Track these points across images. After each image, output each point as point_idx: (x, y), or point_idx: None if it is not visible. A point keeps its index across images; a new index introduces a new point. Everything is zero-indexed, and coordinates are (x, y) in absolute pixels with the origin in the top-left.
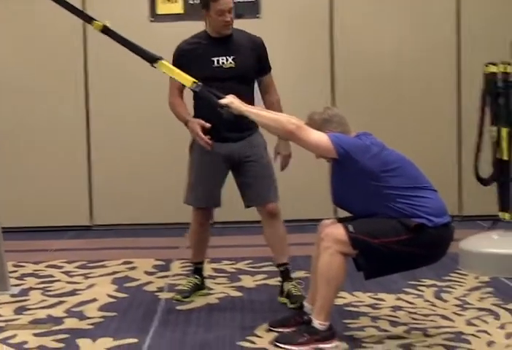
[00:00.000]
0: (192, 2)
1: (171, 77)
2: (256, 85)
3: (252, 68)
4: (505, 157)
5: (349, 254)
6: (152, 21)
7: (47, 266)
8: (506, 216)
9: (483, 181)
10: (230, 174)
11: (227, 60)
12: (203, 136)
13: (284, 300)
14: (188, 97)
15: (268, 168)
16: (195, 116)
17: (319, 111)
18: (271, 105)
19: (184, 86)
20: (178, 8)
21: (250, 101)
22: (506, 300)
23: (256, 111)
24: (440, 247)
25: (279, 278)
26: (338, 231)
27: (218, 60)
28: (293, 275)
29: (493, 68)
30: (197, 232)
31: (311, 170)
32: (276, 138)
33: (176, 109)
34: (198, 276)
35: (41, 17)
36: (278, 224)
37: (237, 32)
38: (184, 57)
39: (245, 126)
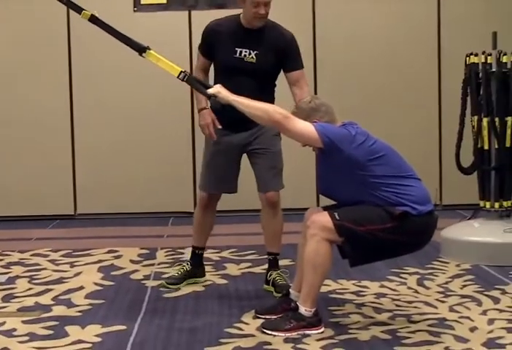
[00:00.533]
0: None
1: (198, 54)
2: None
3: (274, 65)
4: (486, 147)
5: (335, 241)
6: (135, 11)
7: (32, 255)
8: (487, 204)
9: (465, 170)
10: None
11: (249, 53)
12: (211, 129)
13: (269, 288)
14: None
15: (275, 158)
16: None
17: (306, 99)
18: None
19: (209, 67)
20: None
21: (265, 99)
22: (487, 287)
23: (242, 101)
24: (424, 234)
25: (265, 266)
26: (324, 218)
27: (241, 52)
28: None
29: (474, 59)
30: (198, 216)
31: (295, 160)
32: None
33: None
34: (190, 263)
35: (23, 11)
36: (276, 214)
37: (270, 27)
38: (211, 37)
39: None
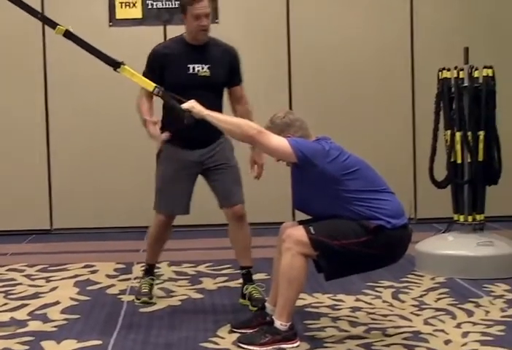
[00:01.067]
0: (150, 7)
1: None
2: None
3: (225, 78)
4: (459, 160)
5: (310, 255)
6: (110, 25)
7: (8, 270)
8: (460, 218)
9: (438, 184)
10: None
11: (202, 68)
12: (154, 131)
13: (245, 302)
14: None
15: (235, 171)
16: (164, 124)
17: (280, 114)
18: (242, 115)
19: None
20: (137, 13)
21: (220, 110)
22: (461, 300)
23: (217, 116)
24: (398, 248)
25: (240, 280)
26: (299, 233)
27: (194, 68)
28: (254, 277)
29: (447, 74)
30: (157, 236)
31: (270, 174)
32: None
33: (139, 107)
34: (152, 277)
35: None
36: (244, 227)
37: (213, 41)
38: (159, 61)
39: (212, 131)
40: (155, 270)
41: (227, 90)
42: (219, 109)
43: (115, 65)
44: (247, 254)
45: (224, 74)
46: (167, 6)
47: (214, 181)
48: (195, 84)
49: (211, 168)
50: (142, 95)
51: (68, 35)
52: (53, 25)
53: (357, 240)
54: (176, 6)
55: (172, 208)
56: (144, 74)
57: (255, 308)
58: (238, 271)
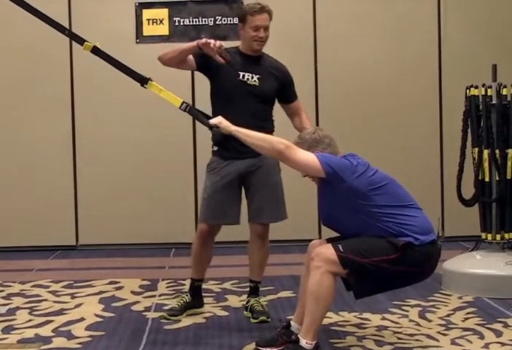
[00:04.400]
0: (177, 24)
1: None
2: None
3: (274, 91)
4: (487, 178)
5: (339, 273)
6: (137, 42)
7: (33, 286)
8: (488, 236)
9: (466, 202)
10: None
11: (252, 77)
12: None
13: (247, 314)
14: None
15: (275, 188)
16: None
17: (309, 130)
18: (302, 123)
19: (189, 65)
20: (164, 30)
21: (267, 122)
22: (489, 320)
23: (244, 131)
24: (427, 264)
25: (267, 298)
26: (329, 251)
27: (244, 75)
28: (278, 295)
29: (474, 91)
30: (199, 248)
31: (296, 191)
32: None
33: (172, 50)
34: (190, 294)
35: (25, 43)
36: (264, 246)
37: (266, 56)
38: (208, 58)
39: None
40: (180, 288)
41: (283, 106)
42: (264, 119)
43: (143, 81)
44: (260, 270)
45: (272, 87)
46: (194, 23)
47: (250, 195)
48: (242, 91)
49: (252, 182)
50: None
51: (95, 51)
52: (81, 41)
53: (387, 258)
54: (203, 23)
55: (218, 218)
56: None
57: (255, 321)
58: (263, 289)
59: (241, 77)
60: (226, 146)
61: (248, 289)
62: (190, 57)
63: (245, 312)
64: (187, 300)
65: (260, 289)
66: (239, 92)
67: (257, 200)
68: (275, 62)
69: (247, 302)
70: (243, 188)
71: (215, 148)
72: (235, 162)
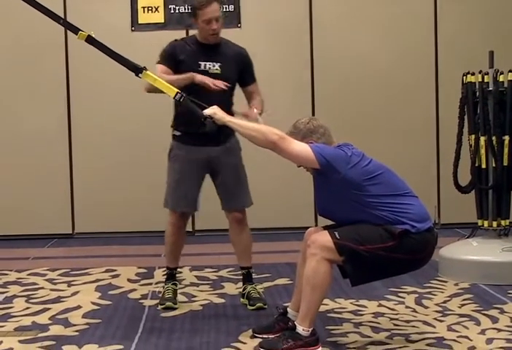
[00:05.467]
0: (173, 12)
1: (158, 66)
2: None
3: (236, 76)
4: (484, 165)
5: (335, 261)
6: (133, 30)
7: (29, 274)
8: (485, 223)
9: (462, 189)
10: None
11: (213, 65)
12: (217, 81)
13: (244, 301)
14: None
15: (242, 174)
16: (177, 121)
17: (303, 120)
18: (256, 106)
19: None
20: (159, 17)
21: (229, 109)
22: (486, 306)
23: (238, 122)
24: (424, 252)
25: (264, 285)
26: (325, 238)
27: (205, 65)
28: (275, 282)
29: (471, 78)
30: (175, 236)
31: (292, 180)
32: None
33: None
34: (175, 282)
35: (23, 26)
36: (244, 231)
37: (224, 42)
38: (174, 54)
39: (223, 129)
40: (177, 275)
41: (242, 89)
42: (228, 105)
43: (137, 70)
44: (247, 256)
45: (235, 72)
46: (189, 10)
47: (219, 182)
48: None
49: (219, 169)
50: (162, 74)
51: (90, 40)
52: (75, 30)
53: (383, 245)
54: None
55: (180, 206)
56: (160, 62)
57: (252, 308)
58: (260, 276)
59: (202, 67)
60: (190, 132)
61: (241, 276)
62: (167, 69)
63: (241, 299)
64: (175, 288)
65: (257, 276)
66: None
67: (227, 186)
68: (234, 46)
69: (244, 290)
70: (208, 176)
71: (177, 133)
72: (198, 149)
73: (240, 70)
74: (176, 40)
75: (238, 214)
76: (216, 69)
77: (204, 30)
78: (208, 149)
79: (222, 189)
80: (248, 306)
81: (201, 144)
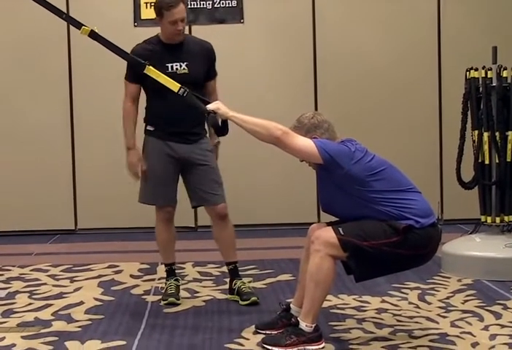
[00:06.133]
0: None
1: (126, 82)
2: None
3: (203, 73)
4: (487, 161)
5: (339, 257)
6: (135, 25)
7: (32, 270)
8: (488, 219)
9: (465, 185)
10: None
11: (180, 66)
12: (137, 171)
13: (234, 297)
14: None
15: (217, 172)
16: (150, 114)
17: (308, 114)
18: None
19: (139, 93)
20: None
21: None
22: (489, 302)
23: (242, 117)
24: (428, 247)
25: (267, 281)
26: (328, 234)
27: (172, 66)
28: (277, 278)
29: (474, 74)
30: (166, 233)
31: (295, 175)
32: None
33: (127, 123)
34: (177, 278)
35: (25, 21)
36: (227, 226)
37: (188, 38)
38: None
39: (197, 127)
40: (179, 271)
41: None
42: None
43: (140, 66)
44: (231, 251)
45: (202, 69)
46: (192, 6)
47: (193, 180)
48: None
49: (193, 166)
50: (128, 99)
51: (93, 35)
52: (78, 25)
53: (387, 241)
54: (201, 6)
55: (159, 200)
56: (126, 78)
57: (245, 302)
58: (263, 272)
59: (169, 69)
60: (166, 129)
61: (228, 272)
62: (135, 88)
63: (229, 296)
64: (178, 284)
65: (260, 272)
66: None
67: (203, 184)
68: (199, 41)
69: (234, 285)
70: (181, 173)
71: (151, 128)
72: (172, 145)
73: (207, 65)
74: (138, 45)
75: (221, 210)
76: (184, 69)
77: (169, 31)
78: (180, 147)
79: (198, 187)
80: (240, 302)
81: (174, 141)
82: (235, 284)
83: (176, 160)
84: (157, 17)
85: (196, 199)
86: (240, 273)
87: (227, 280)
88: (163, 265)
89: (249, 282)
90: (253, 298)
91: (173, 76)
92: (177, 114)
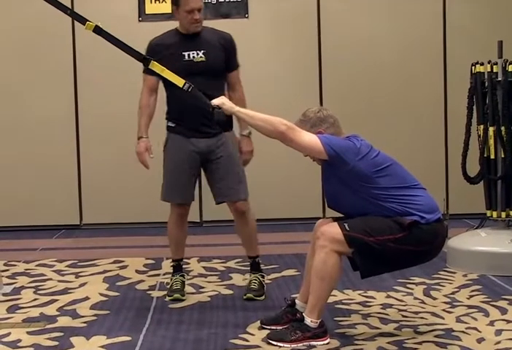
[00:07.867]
0: None
1: (144, 75)
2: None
3: (222, 62)
4: (492, 156)
5: (345, 252)
6: (140, 21)
7: (38, 265)
8: (494, 214)
9: (471, 180)
10: None
11: (197, 54)
12: (145, 159)
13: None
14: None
15: (238, 166)
16: (170, 108)
17: (314, 109)
18: (236, 102)
19: (157, 86)
20: (166, 8)
21: (223, 95)
22: (494, 297)
23: (247, 112)
24: (434, 243)
25: (272, 277)
26: (334, 230)
27: (189, 55)
28: (283, 273)
29: (480, 68)
30: (178, 229)
31: (300, 170)
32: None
33: (141, 114)
34: (183, 273)
35: (30, 15)
36: (248, 222)
37: (206, 29)
38: (155, 53)
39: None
40: (185, 266)
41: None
42: (218, 94)
43: (145, 61)
44: (252, 246)
45: (220, 57)
46: None
47: (215, 175)
48: (193, 70)
49: (214, 161)
50: (147, 91)
51: (97, 31)
52: (83, 21)
53: (393, 237)
54: (206, 0)
55: (175, 197)
56: (144, 69)
57: (245, 296)
58: (268, 267)
59: (186, 58)
60: (185, 123)
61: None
62: (152, 81)
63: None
64: (183, 280)
65: (265, 267)
66: (189, 73)
67: (224, 180)
68: (218, 32)
69: (249, 276)
70: (202, 168)
71: (172, 124)
72: (194, 141)
73: (226, 55)
74: (155, 37)
75: (240, 207)
76: (201, 57)
77: (186, 20)
78: (202, 142)
79: (220, 182)
80: (244, 295)
81: (195, 136)
82: (250, 276)
83: (198, 155)
84: (173, 6)
85: (217, 195)
86: (245, 268)
87: (233, 275)
88: (170, 260)
89: (268, 280)
90: (248, 295)
91: (191, 64)
92: (194, 107)
